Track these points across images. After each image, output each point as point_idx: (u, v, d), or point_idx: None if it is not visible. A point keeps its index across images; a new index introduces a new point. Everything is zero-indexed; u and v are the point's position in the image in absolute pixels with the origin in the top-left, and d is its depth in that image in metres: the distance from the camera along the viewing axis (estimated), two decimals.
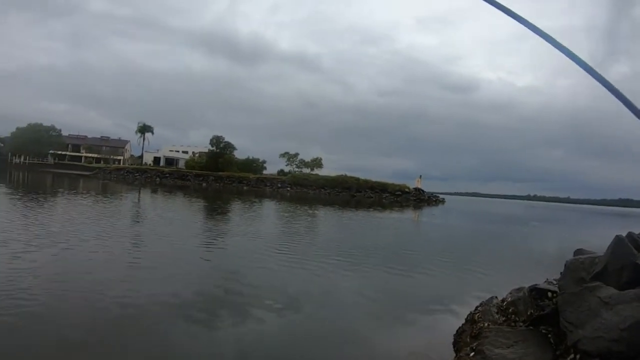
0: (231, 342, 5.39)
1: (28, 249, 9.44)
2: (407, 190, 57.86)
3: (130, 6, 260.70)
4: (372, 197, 52.36)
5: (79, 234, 12.36)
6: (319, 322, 6.29)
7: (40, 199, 23.59)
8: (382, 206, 41.21)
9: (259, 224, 20.36)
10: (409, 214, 35.97)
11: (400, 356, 5.12)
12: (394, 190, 56.86)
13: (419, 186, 61.51)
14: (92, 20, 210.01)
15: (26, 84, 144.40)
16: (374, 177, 60.42)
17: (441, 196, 65.13)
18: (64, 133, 76.87)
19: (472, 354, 4.08)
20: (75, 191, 32.21)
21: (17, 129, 67.44)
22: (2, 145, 71.12)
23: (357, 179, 56.70)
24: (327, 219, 25.47)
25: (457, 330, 5.17)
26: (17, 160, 64.25)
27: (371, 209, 35.26)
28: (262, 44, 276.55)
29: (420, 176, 64.84)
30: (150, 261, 9.73)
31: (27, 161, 64.90)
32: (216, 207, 28.54)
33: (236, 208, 29.25)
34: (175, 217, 20.84)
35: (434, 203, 55.38)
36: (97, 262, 9.06)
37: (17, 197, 24.10)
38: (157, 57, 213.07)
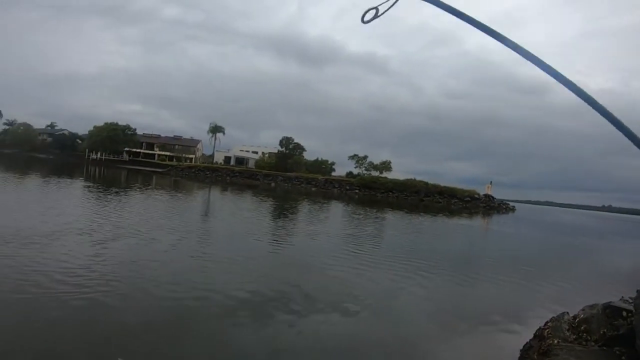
0: (290, 337, 5.55)
1: (109, 238, 10.39)
2: (476, 196, 55.82)
3: (201, 12, 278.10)
4: (440, 202, 51.27)
5: (154, 226, 13.35)
6: (382, 326, 6.30)
7: (117, 192, 25.41)
8: (451, 212, 40.33)
9: (328, 225, 20.85)
10: (478, 221, 34.88)
11: None
12: (462, 196, 55.14)
13: (489, 193, 59.07)
14: (164, 26, 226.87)
15: (103, 86, 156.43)
16: (443, 182, 59.00)
17: (511, 204, 61.83)
18: (138, 132, 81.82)
19: None
20: (149, 187, 34.48)
21: (95, 127, 72.80)
22: (80, 142, 76.81)
23: (426, 183, 55.81)
24: (396, 223, 25.57)
25: (524, 346, 5.02)
26: (94, 156, 68.19)
27: (440, 215, 34.70)
28: (330, 46, 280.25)
29: (491, 182, 62.24)
30: (223, 256, 10.24)
31: (103, 157, 68.85)
32: (286, 207, 29.58)
33: (305, 208, 30.10)
34: (245, 214, 21.78)
35: (504, 211, 52.85)
36: (173, 254, 9.76)
37: (95, 190, 25.98)
38: (227, 60, 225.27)
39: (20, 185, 24.16)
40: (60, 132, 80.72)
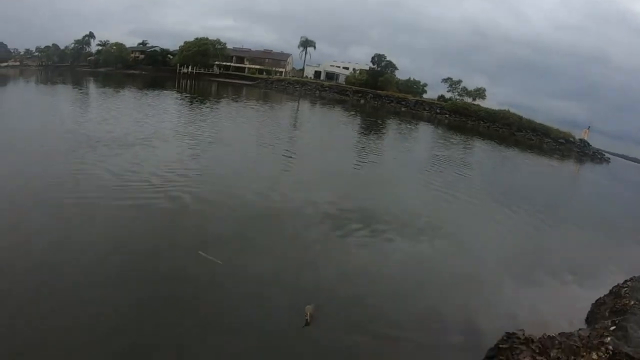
0: (358, 251, 6.06)
1: (203, 146, 11.65)
2: (571, 139, 52.37)
3: None
4: (532, 140, 49.43)
5: (243, 135, 14.55)
6: (451, 261, 6.48)
7: (208, 102, 27.02)
8: (542, 151, 39.47)
9: (414, 145, 21.53)
10: (570, 166, 33.70)
11: (526, 316, 4.98)
12: (557, 137, 52.15)
13: (586, 138, 55.02)
14: None
15: (194, 2, 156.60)
16: (538, 119, 55.89)
17: (607, 155, 57.12)
18: (229, 47, 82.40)
19: (612, 327, 3.89)
20: (239, 98, 36.84)
21: (185, 42, 74.22)
22: (171, 57, 77.89)
23: (520, 117, 53.25)
24: (484, 154, 25.85)
25: (596, 301, 5.03)
26: (184, 70, 69.72)
27: (530, 152, 34.48)
28: None
29: (589, 127, 57.38)
30: (304, 167, 11.17)
31: (194, 71, 70.49)
32: (375, 124, 30.44)
33: (394, 127, 31.08)
34: (334, 128, 22.68)
35: (597, 160, 49.54)
36: (258, 163, 10.91)
37: (188, 101, 27.67)
38: None
39: (119, 96, 26.45)
40: (152, 49, 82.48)
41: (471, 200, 10.58)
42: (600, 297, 5.10)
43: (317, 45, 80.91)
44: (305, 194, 8.96)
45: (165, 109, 21.07)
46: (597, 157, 51.77)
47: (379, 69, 67.98)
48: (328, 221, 7.12)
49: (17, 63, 53.88)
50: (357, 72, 73.76)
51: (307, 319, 3.99)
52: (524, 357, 3.33)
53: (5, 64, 44.24)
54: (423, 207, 9.08)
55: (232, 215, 7.02)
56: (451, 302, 5.32)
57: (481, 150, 26.74)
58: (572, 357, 3.62)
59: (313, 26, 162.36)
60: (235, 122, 18.99)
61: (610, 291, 5.04)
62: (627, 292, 4.54)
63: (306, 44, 79.81)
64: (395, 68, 68.79)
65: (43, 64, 58.23)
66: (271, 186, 9.01)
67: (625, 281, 5.06)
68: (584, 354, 3.62)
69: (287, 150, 14.03)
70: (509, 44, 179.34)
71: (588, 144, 53.93)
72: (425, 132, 31.94)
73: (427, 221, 8.20)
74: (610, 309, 4.37)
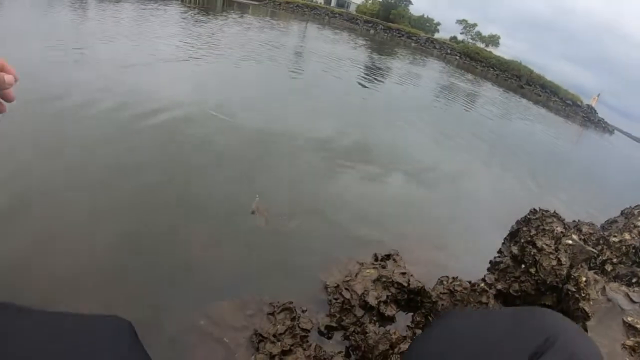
0: (350, 184, 6.25)
1: (202, 61, 11.38)
2: (579, 103, 52.00)
3: None
4: (540, 96, 48.60)
5: (244, 52, 14.05)
6: (443, 202, 6.77)
7: (214, 17, 25.87)
8: (548, 108, 39.12)
9: (419, 81, 20.60)
10: (574, 128, 33.33)
11: None
12: (565, 97, 51.59)
13: (594, 105, 54.52)
14: None
15: None
16: (547, 77, 54.69)
17: (611, 127, 56.80)
18: None
19: None
20: (244, 14, 34.66)
21: None
22: None
23: (531, 71, 51.97)
24: (491, 99, 25.16)
25: (606, 220, 5.11)
26: None
27: (536, 105, 34.30)
28: None
29: (598, 95, 56.69)
30: (305, 92, 10.91)
31: None
32: (383, 53, 29.77)
33: (401, 59, 30.07)
34: (341, 52, 21.96)
35: (601, 129, 49.40)
36: (261, 83, 10.73)
37: (190, 14, 25.76)
38: None
39: (120, 6, 24.07)
40: None
41: (469, 147, 10.73)
42: (610, 218, 4.99)
43: None
44: (305, 118, 9.10)
45: (167, 22, 20.04)
46: (601, 125, 51.60)
47: (392, 1, 64.32)
48: (325, 147, 7.41)
49: None
50: (370, 2, 70.30)
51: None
52: (556, 227, 3.09)
53: None
54: (415, 148, 9.28)
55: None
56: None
57: (489, 96, 26.03)
58: (605, 234, 3.45)
59: None
60: (242, 39, 18.23)
61: (622, 212, 4.95)
62: None
63: None
64: (410, 3, 65.18)
65: None
66: (275, 108, 9.13)
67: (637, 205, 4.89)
68: (616, 234, 3.43)
69: (294, 72, 13.69)
70: None
71: (595, 111, 53.50)
72: (433, 69, 31.05)
73: (417, 160, 8.40)
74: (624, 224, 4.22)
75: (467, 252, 5.47)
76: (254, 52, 14.64)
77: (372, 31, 56.45)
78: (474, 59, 52.27)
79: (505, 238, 4.33)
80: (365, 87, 14.13)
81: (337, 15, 62.46)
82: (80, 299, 3.02)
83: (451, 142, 10.76)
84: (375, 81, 15.85)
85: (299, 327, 3.20)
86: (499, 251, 4.18)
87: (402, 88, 16.36)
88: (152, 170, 5.18)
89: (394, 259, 4.27)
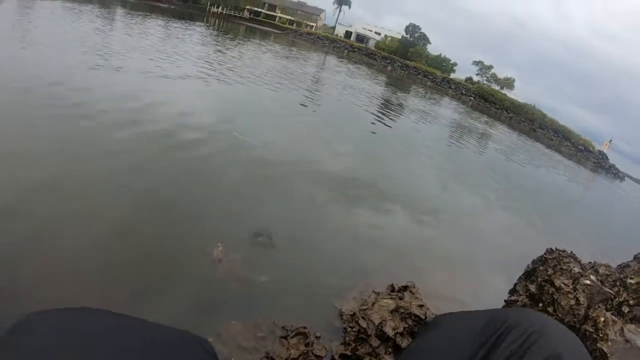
0: (352, 219, 6.24)
1: (223, 82, 11.87)
2: (590, 148, 51.87)
3: None
4: (552, 140, 48.79)
5: (263, 75, 14.50)
6: (447, 239, 6.80)
7: (235, 40, 27.22)
8: (560, 153, 39.14)
9: (433, 119, 20.71)
10: (585, 173, 33.06)
11: None
12: (577, 142, 51.56)
13: (605, 150, 54.27)
14: None
15: None
16: (560, 122, 54.91)
17: (622, 173, 56.10)
18: None
19: None
20: (266, 41, 36.34)
21: None
22: None
23: (544, 115, 52.40)
24: (504, 142, 25.28)
25: (618, 265, 4.54)
26: (215, 9, 68.58)
27: (549, 149, 34.36)
28: None
29: (610, 140, 56.42)
30: (320, 123, 11.19)
31: (224, 12, 69.55)
32: (399, 90, 30.23)
33: (416, 97, 30.63)
34: (354, 84, 22.37)
35: (612, 176, 48.82)
36: (274, 101, 11.14)
37: (215, 35, 27.72)
38: None
39: (146, 24, 25.61)
40: None
41: (478, 187, 10.73)
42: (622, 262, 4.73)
43: (352, 7, 78.49)
44: (313, 144, 9.29)
45: (193, 40, 21.11)
46: (612, 171, 51.08)
47: (411, 39, 66.13)
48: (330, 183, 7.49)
49: None
50: (389, 39, 72.16)
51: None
52: (574, 267, 3.18)
53: None
54: (422, 186, 9.37)
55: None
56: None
57: (502, 140, 26.20)
58: (622, 275, 3.51)
59: None
60: (260, 61, 19.13)
61: (635, 256, 4.63)
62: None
63: (342, 1, 77.64)
64: (428, 42, 66.96)
65: None
66: (284, 132, 9.38)
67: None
68: (633, 276, 3.49)
69: (308, 95, 14.19)
70: (546, 40, 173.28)
71: (606, 157, 53.20)
72: (447, 109, 31.55)
73: (424, 200, 8.46)
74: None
75: (480, 287, 5.50)
76: (273, 78, 15.06)
77: (389, 67, 57.69)
78: (488, 101, 52.92)
79: (519, 277, 4.36)
80: (381, 121, 14.28)
81: (356, 49, 63.99)
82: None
83: (464, 181, 10.85)
84: (391, 117, 15.97)
85: (312, 353, 3.14)
86: (513, 290, 4.20)
87: (417, 126, 16.62)
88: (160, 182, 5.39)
89: (410, 291, 4.30)
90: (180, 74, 11.91)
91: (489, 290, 5.33)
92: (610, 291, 3.01)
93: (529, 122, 50.95)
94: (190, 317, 3.29)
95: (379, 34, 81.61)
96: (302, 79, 16.89)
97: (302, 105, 12.69)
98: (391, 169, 9.79)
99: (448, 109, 30.06)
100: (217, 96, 11.15)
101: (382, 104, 18.28)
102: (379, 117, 14.86)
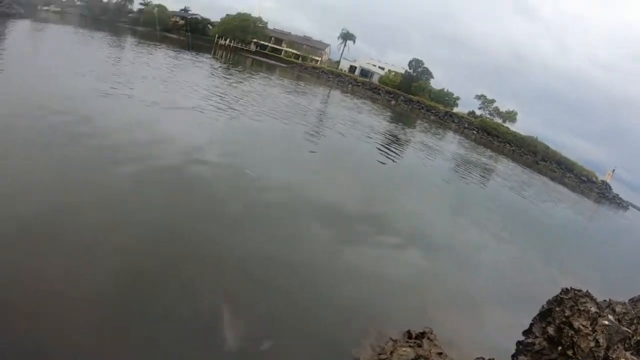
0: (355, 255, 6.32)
1: (226, 114, 12.15)
2: (593, 179, 51.95)
3: None
4: (555, 172, 49.01)
5: (269, 110, 15.00)
6: (451, 274, 6.88)
7: (243, 73, 27.98)
8: (563, 184, 39.28)
9: (437, 153, 21.01)
10: (589, 204, 33.03)
11: None
12: (580, 173, 51.72)
13: (608, 181, 54.29)
14: None
15: None
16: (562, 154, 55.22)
17: (625, 203, 55.53)
18: (269, 27, 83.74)
19: None
20: (272, 74, 37.46)
21: (227, 15, 75.96)
22: (211, 27, 78.86)
23: (547, 147, 52.91)
24: (508, 175, 25.41)
25: (630, 299, 5.04)
26: (222, 42, 70.73)
27: (553, 182, 34.51)
28: None
29: (613, 170, 56.63)
30: (324, 158, 11.45)
31: (231, 44, 71.63)
32: (402, 124, 30.63)
33: (421, 131, 31.16)
34: (359, 119, 22.86)
35: (615, 206, 48.51)
36: (282, 135, 11.62)
37: (224, 68, 28.43)
38: None
39: (156, 54, 26.77)
40: (193, 16, 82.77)
41: (483, 223, 10.76)
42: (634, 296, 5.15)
43: (356, 42, 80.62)
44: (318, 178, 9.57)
45: (199, 71, 21.64)
46: (615, 201, 50.85)
47: (414, 74, 67.71)
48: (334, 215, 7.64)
49: (58, 9, 54.14)
50: (392, 73, 73.70)
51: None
52: (591, 307, 3.35)
53: (47, 7, 44.33)
54: (424, 225, 9.26)
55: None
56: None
57: (505, 174, 26.54)
58: (638, 313, 3.64)
59: (355, 21, 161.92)
60: (266, 94, 19.71)
61: None
62: None
63: (347, 36, 79.79)
64: (431, 76, 68.52)
65: (83, 13, 58.57)
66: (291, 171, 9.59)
67: None
68: None
69: (315, 132, 14.52)
70: (546, 73, 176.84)
71: (609, 187, 53.15)
72: (452, 142, 32.08)
73: (431, 237, 8.52)
74: None
75: (493, 327, 5.52)
76: (278, 111, 15.48)
77: (393, 102, 58.97)
78: (491, 134, 53.64)
79: (534, 317, 4.34)
80: (386, 156, 14.57)
81: (360, 84, 65.49)
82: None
83: (469, 216, 10.99)
84: (395, 151, 16.23)
85: None
86: (529, 331, 4.18)
87: (421, 161, 16.87)
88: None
89: (428, 337, 4.21)
90: (192, 104, 12.29)
91: (501, 331, 5.33)
92: (628, 330, 3.15)
93: (531, 154, 51.36)
94: None
95: (382, 68, 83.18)
96: (309, 113, 17.46)
97: (308, 140, 13.06)
98: (400, 204, 9.97)
99: (452, 144, 30.70)
100: (227, 128, 11.55)
101: (387, 138, 18.72)
102: (384, 151, 15.25)
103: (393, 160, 14.59)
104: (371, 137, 17.29)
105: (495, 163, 28.34)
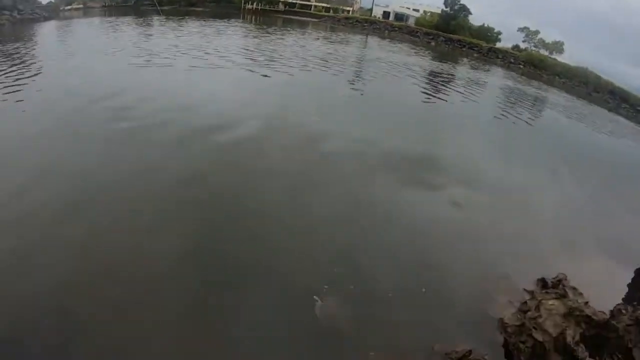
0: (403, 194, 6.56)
1: (271, 70, 12.62)
2: None
3: None
4: (609, 103, 47.32)
5: (310, 63, 15.12)
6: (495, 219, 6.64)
7: (272, 32, 27.55)
8: (620, 115, 37.99)
9: (486, 90, 20.38)
10: None
11: None
12: (636, 103, 49.37)
13: None
14: None
15: None
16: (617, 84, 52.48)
17: None
18: None
19: None
20: (306, 29, 37.77)
21: None
22: None
23: (599, 77, 50.53)
24: (563, 108, 24.37)
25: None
26: (249, 6, 68.06)
27: (610, 113, 33.47)
28: None
29: None
30: (369, 104, 11.71)
31: (259, 7, 68.99)
32: (445, 64, 29.83)
33: (466, 69, 30.20)
34: (405, 61, 22.53)
35: None
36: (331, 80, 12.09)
37: (253, 30, 28.78)
38: None
39: (188, 26, 26.91)
40: None
41: (532, 165, 10.67)
42: None
43: None
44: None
45: (233, 35, 22.29)
46: None
47: (451, 12, 64.77)
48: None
49: (80, 5, 54.25)
50: (428, 14, 70.72)
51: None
52: None
53: (69, 7, 44.83)
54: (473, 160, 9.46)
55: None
56: None
57: (559, 98, 26.67)
58: None
59: None
60: (300, 48, 19.91)
61: None
62: None
63: None
64: (469, 13, 65.18)
65: (106, 4, 58.41)
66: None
67: None
68: None
69: (358, 79, 14.92)
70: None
71: None
72: (501, 74, 31.80)
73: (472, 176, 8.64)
74: None
75: (607, 275, 5.21)
76: (319, 63, 15.81)
77: (433, 43, 57.24)
78: (539, 67, 51.56)
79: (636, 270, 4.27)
80: (432, 96, 14.74)
81: (396, 28, 63.60)
82: None
83: (526, 158, 10.97)
84: (442, 91, 16.27)
85: None
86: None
87: (469, 98, 16.67)
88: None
89: (568, 285, 3.63)
90: (239, 63, 13.29)
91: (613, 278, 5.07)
92: None
93: (583, 85, 49.41)
94: None
95: (417, 10, 79.37)
96: (352, 59, 17.41)
97: (352, 87, 13.61)
98: (466, 147, 10.38)
99: (499, 78, 29.99)
100: (285, 85, 12.38)
101: (431, 79, 18.53)
102: (429, 93, 15.46)
103: (443, 100, 14.92)
104: (416, 79, 17.28)
105: (545, 94, 27.49)
